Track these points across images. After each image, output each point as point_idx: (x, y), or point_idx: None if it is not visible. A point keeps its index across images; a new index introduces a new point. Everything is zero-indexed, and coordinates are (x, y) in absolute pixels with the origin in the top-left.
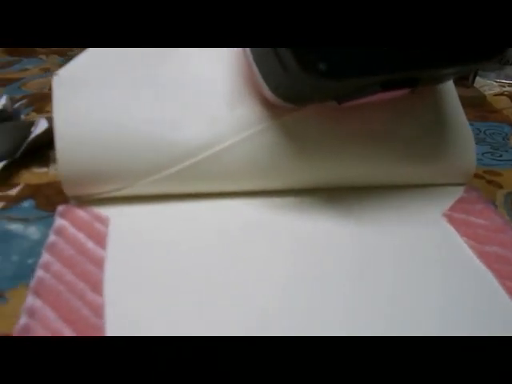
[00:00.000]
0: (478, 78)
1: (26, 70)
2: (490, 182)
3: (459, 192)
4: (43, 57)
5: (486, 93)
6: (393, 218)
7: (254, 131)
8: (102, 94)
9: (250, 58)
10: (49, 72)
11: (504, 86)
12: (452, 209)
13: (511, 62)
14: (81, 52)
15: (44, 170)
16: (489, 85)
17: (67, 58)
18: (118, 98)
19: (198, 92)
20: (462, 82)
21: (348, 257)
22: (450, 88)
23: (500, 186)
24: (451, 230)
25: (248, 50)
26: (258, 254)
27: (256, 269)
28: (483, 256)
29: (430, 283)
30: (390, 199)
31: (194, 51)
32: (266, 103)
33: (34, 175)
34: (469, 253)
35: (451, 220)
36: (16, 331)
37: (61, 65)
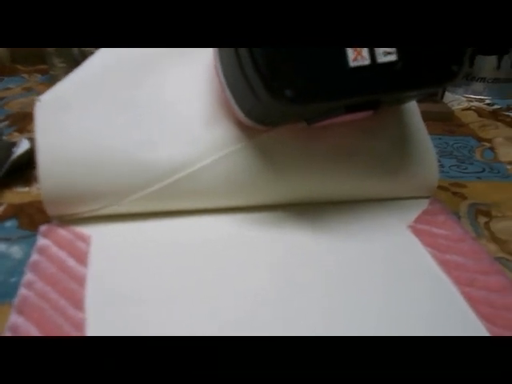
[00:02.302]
0: (447, 93)
1: (9, 89)
2: (455, 193)
3: (424, 204)
4: (25, 76)
5: (455, 107)
6: (361, 229)
7: (231, 150)
8: (82, 117)
9: (224, 84)
10: (31, 91)
11: (471, 101)
12: (416, 220)
13: (478, 77)
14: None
15: (26, 189)
16: (457, 100)
17: (50, 77)
18: (97, 120)
19: (176, 113)
20: (432, 97)
21: (320, 265)
22: (412, 107)
23: (464, 198)
24: (415, 240)
25: (222, 77)
26: (235, 266)
27: (234, 281)
28: (443, 264)
29: (394, 289)
30: (358, 212)
31: (170, 73)
32: (240, 124)
33: (17, 195)
34: (430, 261)
35: (415, 231)
36: None
37: (42, 83)
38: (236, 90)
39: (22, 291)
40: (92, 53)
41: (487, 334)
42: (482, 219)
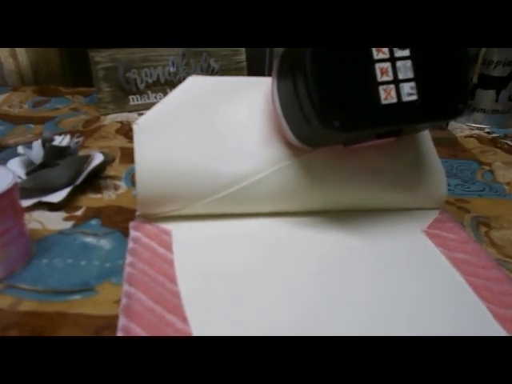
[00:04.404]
0: (451, 122)
1: (57, 109)
2: (459, 207)
3: (435, 214)
4: (69, 97)
5: (458, 135)
6: (385, 233)
7: (281, 166)
8: (170, 137)
9: (279, 112)
10: (78, 111)
11: (473, 129)
12: (429, 226)
13: (478, 109)
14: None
15: (98, 195)
16: (460, 128)
17: (97, 99)
18: (181, 140)
19: (240, 135)
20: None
21: (357, 260)
22: (426, 135)
23: (468, 211)
24: (429, 241)
25: (278, 107)
26: (289, 259)
27: (289, 269)
28: (452, 260)
29: (416, 279)
30: (382, 219)
31: (236, 103)
32: (290, 145)
33: (92, 200)
34: (441, 258)
35: (429, 234)
36: (121, 308)
37: (87, 105)
38: (290, 118)
39: (128, 269)
40: (135, 79)
41: (487, 311)
42: (483, 229)
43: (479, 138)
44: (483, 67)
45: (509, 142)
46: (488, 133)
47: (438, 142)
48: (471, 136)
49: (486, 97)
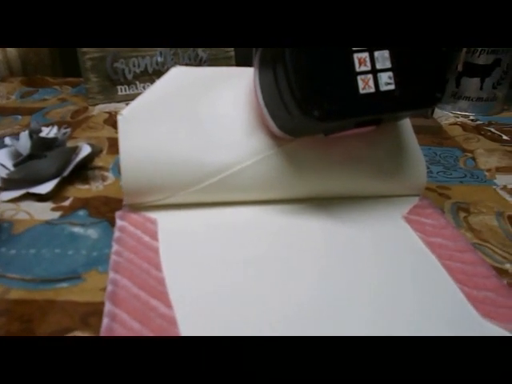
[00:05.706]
0: (436, 110)
1: (45, 100)
2: (440, 194)
3: (415, 200)
4: (57, 87)
5: (443, 122)
6: (365, 219)
7: (265, 155)
8: (154, 128)
9: (262, 103)
10: (66, 101)
11: (458, 117)
12: (409, 212)
13: (463, 96)
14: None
15: (86, 186)
16: (445, 116)
17: (85, 89)
18: (165, 131)
19: (224, 125)
20: (424, 113)
21: (337, 248)
22: (406, 124)
23: (448, 198)
24: (407, 227)
25: (260, 98)
26: (270, 244)
27: (269, 253)
28: (429, 244)
29: (393, 263)
30: (364, 205)
31: (221, 93)
32: (272, 135)
33: (79, 191)
34: (419, 242)
35: (408, 220)
36: (106, 295)
37: (75, 95)
38: (272, 108)
39: (114, 258)
40: (122, 69)
41: (460, 292)
42: (462, 214)
43: (463, 126)
44: (468, 55)
45: (492, 130)
46: (472, 120)
47: (423, 130)
48: (456, 124)
49: (471, 85)
